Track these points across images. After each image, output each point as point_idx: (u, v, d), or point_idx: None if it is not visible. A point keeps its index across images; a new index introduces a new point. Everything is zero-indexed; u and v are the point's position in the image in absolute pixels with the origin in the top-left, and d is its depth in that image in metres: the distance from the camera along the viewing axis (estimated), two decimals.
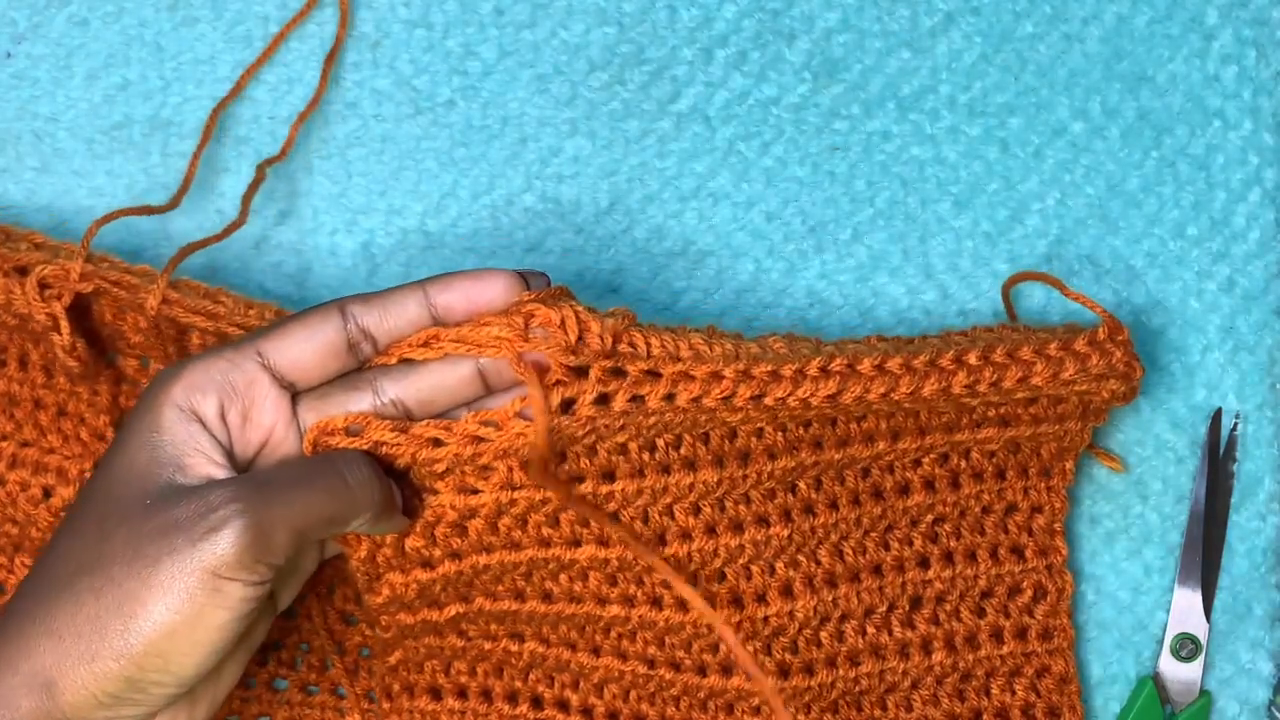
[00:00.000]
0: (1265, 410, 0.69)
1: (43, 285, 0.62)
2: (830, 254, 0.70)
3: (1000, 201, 0.70)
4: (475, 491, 0.59)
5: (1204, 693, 0.68)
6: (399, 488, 0.59)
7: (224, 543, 0.52)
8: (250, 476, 0.55)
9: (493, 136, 0.71)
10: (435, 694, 0.65)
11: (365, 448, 0.57)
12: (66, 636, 0.52)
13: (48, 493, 0.66)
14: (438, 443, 0.57)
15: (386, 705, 0.65)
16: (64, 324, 0.62)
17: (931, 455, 0.65)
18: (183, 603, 0.52)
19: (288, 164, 0.70)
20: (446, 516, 0.59)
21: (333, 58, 0.70)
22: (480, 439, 0.57)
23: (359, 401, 0.58)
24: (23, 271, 0.63)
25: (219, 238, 0.65)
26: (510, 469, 0.59)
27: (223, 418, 0.56)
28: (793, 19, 0.71)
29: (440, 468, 0.58)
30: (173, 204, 0.66)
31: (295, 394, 0.58)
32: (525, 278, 0.58)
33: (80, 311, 0.64)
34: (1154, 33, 0.70)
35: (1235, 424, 0.69)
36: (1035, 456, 0.66)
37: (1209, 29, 0.70)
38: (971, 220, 0.70)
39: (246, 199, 0.67)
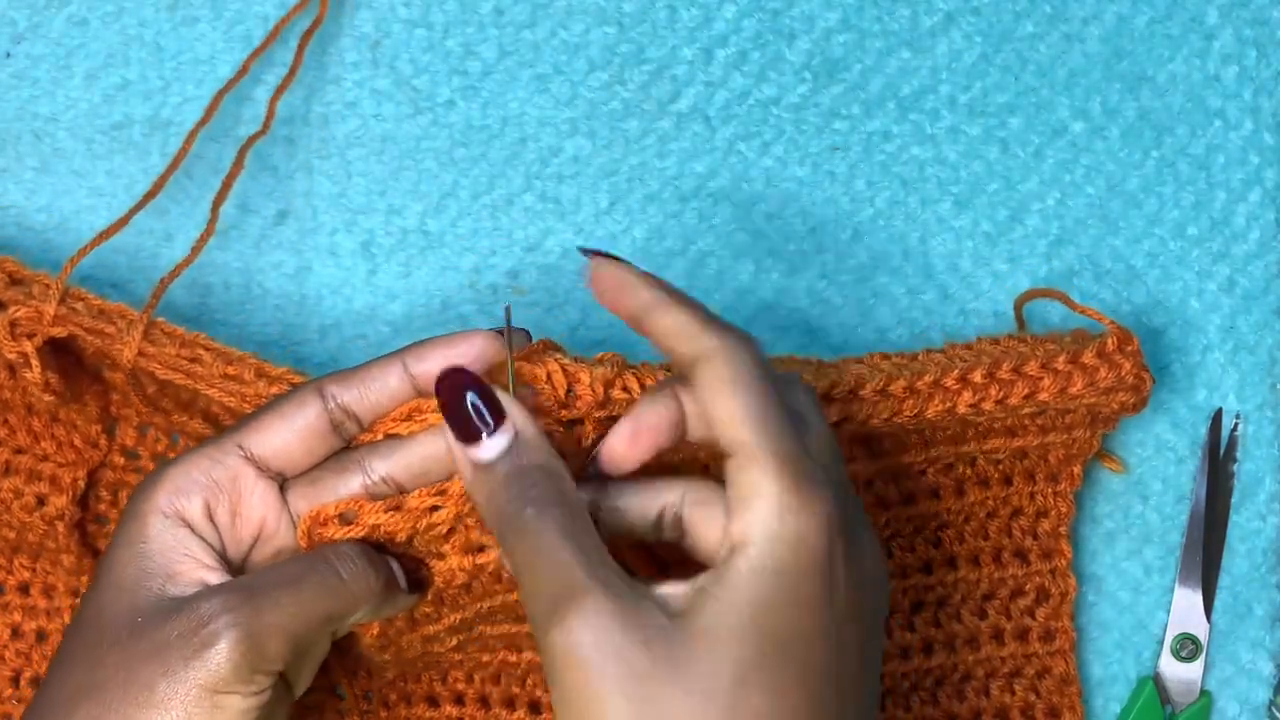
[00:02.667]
0: (1266, 410, 0.69)
1: (14, 325, 0.60)
2: (830, 254, 0.70)
3: (1000, 201, 0.70)
4: (482, 549, 0.57)
5: (1204, 693, 0.67)
6: (402, 562, 0.57)
7: (217, 658, 0.51)
8: (240, 583, 0.54)
9: (493, 136, 0.71)
10: (432, 702, 0.65)
11: (362, 534, 0.56)
12: None
13: (41, 500, 0.65)
14: (436, 508, 0.56)
15: (384, 714, 0.65)
16: (35, 363, 0.61)
17: (937, 465, 0.64)
18: None
19: (287, 163, 0.70)
20: (456, 580, 0.57)
21: (310, 34, 0.69)
22: None
23: (349, 484, 0.56)
24: None
25: (190, 259, 0.64)
26: None
27: (210, 518, 0.55)
28: (793, 19, 0.71)
29: (443, 530, 0.56)
30: (154, 191, 0.65)
31: (284, 481, 0.56)
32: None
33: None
34: (1154, 32, 0.70)
35: (1236, 424, 0.69)
36: (1043, 462, 0.65)
37: (1209, 29, 0.70)
38: (972, 220, 0.70)
39: (216, 204, 0.66)
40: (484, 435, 0.53)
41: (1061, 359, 0.60)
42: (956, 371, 0.59)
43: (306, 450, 0.56)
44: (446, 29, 0.71)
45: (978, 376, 0.59)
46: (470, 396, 0.53)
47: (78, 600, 0.65)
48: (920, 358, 0.62)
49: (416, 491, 0.56)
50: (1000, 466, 0.65)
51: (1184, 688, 0.67)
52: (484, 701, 0.65)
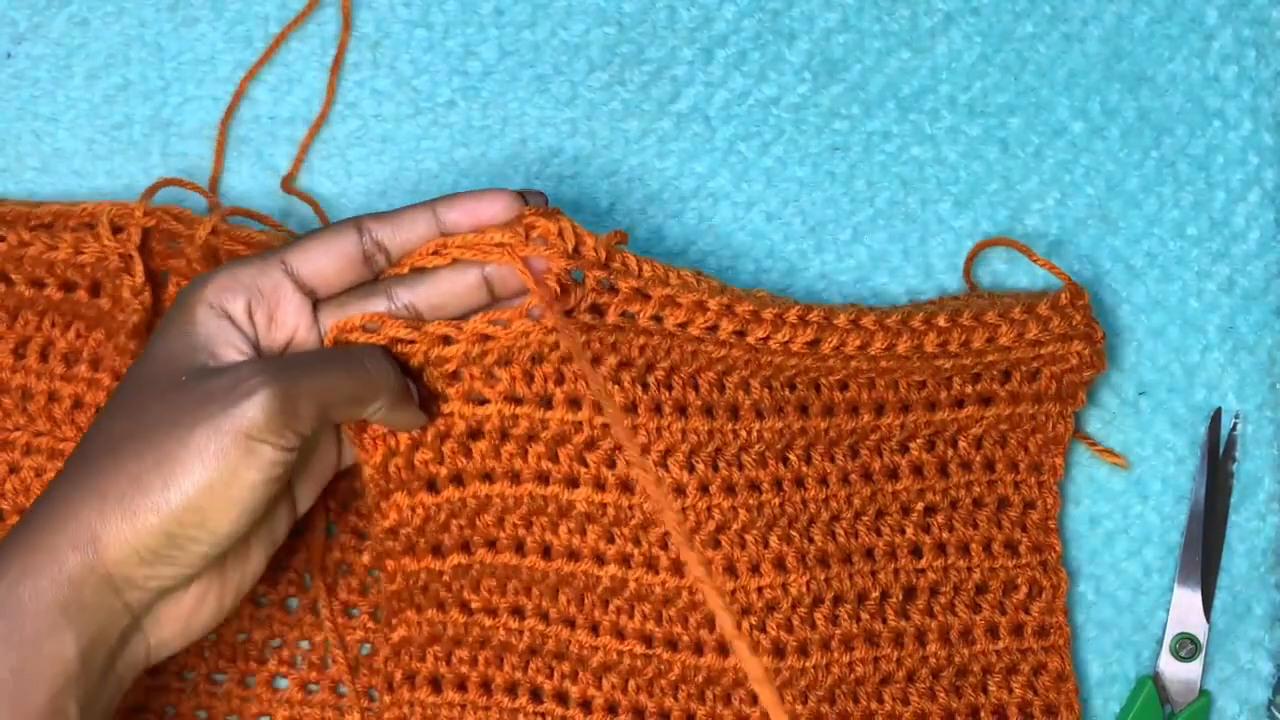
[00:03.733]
0: (1265, 410, 0.69)
1: (113, 223, 0.66)
2: (830, 254, 0.70)
3: (1000, 201, 0.70)
4: (482, 402, 0.63)
5: (1204, 692, 0.68)
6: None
7: (254, 408, 0.56)
8: (278, 357, 0.60)
9: (493, 136, 0.71)
10: (435, 685, 0.65)
11: (383, 343, 0.62)
12: (110, 495, 0.56)
13: None
14: (448, 340, 0.62)
15: (387, 697, 0.65)
16: (137, 264, 0.66)
17: (918, 440, 0.66)
18: (218, 461, 0.56)
19: (288, 163, 0.70)
20: (456, 428, 0.63)
21: (337, 67, 0.70)
22: (487, 338, 0.62)
23: (375, 306, 0.62)
24: (89, 227, 0.66)
25: (256, 214, 0.69)
26: (513, 379, 0.62)
27: (250, 317, 0.60)
28: (793, 19, 0.71)
29: (450, 367, 0.62)
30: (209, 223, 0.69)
31: (316, 301, 0.62)
32: (525, 197, 0.63)
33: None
34: (1154, 33, 0.70)
35: (1235, 424, 0.69)
36: (1023, 450, 0.66)
37: (1209, 29, 0.70)
38: (971, 220, 0.70)
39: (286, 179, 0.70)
40: None
41: (1018, 309, 0.64)
42: (922, 314, 0.64)
43: (339, 273, 0.62)
44: (446, 29, 0.71)
45: (942, 320, 0.64)
46: None
47: None
48: (889, 308, 0.66)
49: (435, 322, 0.62)
50: (981, 450, 0.66)
51: (1183, 687, 0.67)
52: (486, 687, 0.65)
